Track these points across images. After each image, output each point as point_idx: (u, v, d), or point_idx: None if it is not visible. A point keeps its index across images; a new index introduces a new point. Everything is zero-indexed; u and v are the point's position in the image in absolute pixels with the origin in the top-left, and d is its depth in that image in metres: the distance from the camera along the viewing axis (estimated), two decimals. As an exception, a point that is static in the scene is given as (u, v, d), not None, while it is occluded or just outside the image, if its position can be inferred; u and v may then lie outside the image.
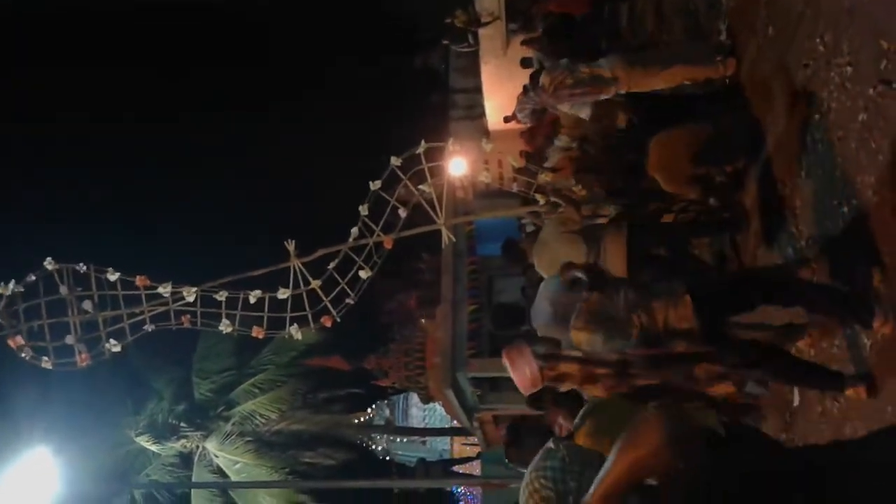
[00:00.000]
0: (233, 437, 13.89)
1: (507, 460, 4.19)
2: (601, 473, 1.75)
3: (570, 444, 1.95)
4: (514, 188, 5.42)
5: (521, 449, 4.34)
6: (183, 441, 13.87)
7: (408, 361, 11.92)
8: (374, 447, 30.93)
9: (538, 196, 5.16)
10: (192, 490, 13.74)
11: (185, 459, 14.12)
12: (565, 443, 1.93)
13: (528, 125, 7.36)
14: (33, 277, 3.96)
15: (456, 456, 24.15)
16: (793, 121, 4.57)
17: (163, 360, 14.33)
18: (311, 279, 4.12)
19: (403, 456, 29.93)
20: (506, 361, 3.43)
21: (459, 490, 29.92)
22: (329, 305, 4.13)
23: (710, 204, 5.16)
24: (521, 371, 3.35)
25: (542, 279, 4.49)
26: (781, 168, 4.75)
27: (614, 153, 5.81)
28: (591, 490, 1.73)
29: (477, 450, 19.55)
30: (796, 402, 4.47)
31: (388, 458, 29.90)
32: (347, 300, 4.19)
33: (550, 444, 1.94)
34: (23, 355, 3.89)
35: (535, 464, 1.95)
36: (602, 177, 5.58)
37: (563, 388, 3.48)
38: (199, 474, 13.79)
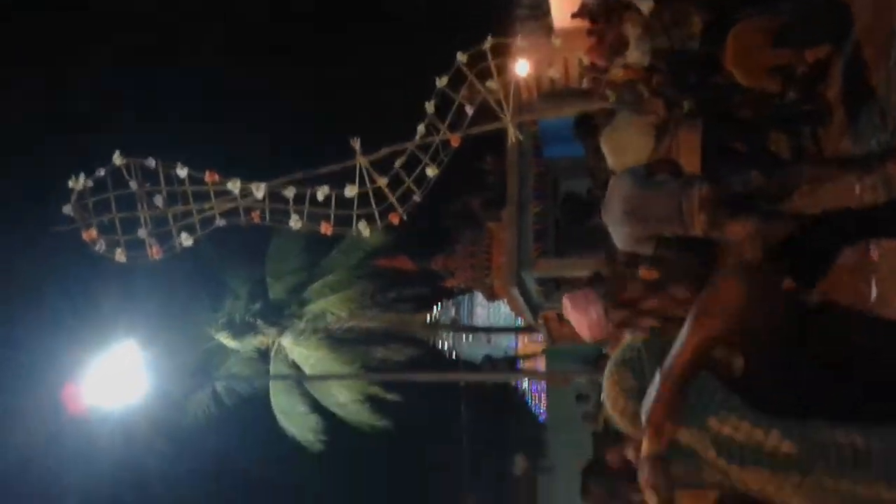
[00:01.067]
0: (306, 333, 14.49)
1: None
2: (676, 343, 1.72)
3: (648, 339, 1.93)
4: (584, 85, 5.25)
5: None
6: (260, 338, 14.52)
7: (474, 262, 12.01)
8: (440, 345, 31.79)
9: (609, 91, 5.00)
10: (271, 383, 14.47)
11: (263, 355, 14.81)
12: (644, 337, 1.91)
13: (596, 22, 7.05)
14: (102, 172, 4.05)
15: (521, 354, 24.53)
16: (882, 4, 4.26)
17: (238, 260, 14.86)
18: (377, 177, 4.12)
19: (469, 354, 30.63)
20: (567, 304, 3.25)
21: (525, 385, 30.68)
22: (395, 203, 4.14)
23: (791, 96, 4.90)
24: (586, 314, 3.14)
25: (608, 181, 4.39)
26: (870, 56, 4.47)
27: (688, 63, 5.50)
28: (668, 361, 1.71)
29: (542, 347, 19.83)
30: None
31: (454, 355, 30.70)
32: (414, 198, 4.19)
33: (629, 340, 1.94)
34: (96, 248, 4.01)
35: (615, 357, 1.95)
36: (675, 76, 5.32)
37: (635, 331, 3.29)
38: (276, 369, 14.49)
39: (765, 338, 1.74)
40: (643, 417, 1.75)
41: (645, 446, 1.79)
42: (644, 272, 2.49)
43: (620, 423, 1.90)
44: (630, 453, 3.23)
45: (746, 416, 1.70)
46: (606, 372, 1.94)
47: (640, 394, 1.83)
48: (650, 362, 1.82)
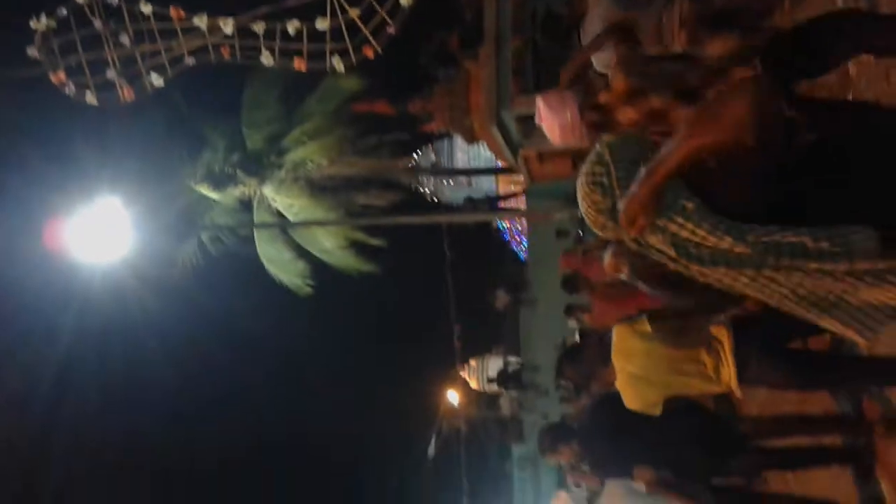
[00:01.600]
0: (287, 182, 14.45)
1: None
2: (664, 148, 1.77)
3: (619, 140, 1.94)
4: None
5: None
6: (241, 188, 14.49)
7: (452, 102, 11.82)
8: (422, 190, 32.03)
9: None
10: (255, 232, 14.61)
11: (245, 205, 14.86)
12: (609, 138, 1.93)
13: None
14: (65, 11, 3.88)
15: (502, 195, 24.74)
16: None
17: (212, 111, 14.59)
18: (349, 8, 3.97)
19: (451, 197, 30.94)
20: (541, 105, 3.04)
21: (506, 225, 31.29)
22: (369, 36, 4.01)
23: None
24: (559, 115, 2.91)
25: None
26: None
27: None
28: (652, 164, 1.77)
29: (522, 187, 20.01)
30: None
31: (436, 199, 31.02)
32: (388, 30, 4.06)
33: (597, 147, 1.96)
34: (66, 92, 3.91)
35: (586, 172, 1.98)
36: None
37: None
38: (259, 218, 14.58)
39: (752, 149, 1.78)
40: (620, 211, 1.82)
41: (617, 237, 1.91)
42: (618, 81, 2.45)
43: (600, 233, 2.00)
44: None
45: (704, 221, 1.79)
46: (579, 188, 1.99)
47: (613, 211, 1.90)
48: (621, 165, 1.86)
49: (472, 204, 16.04)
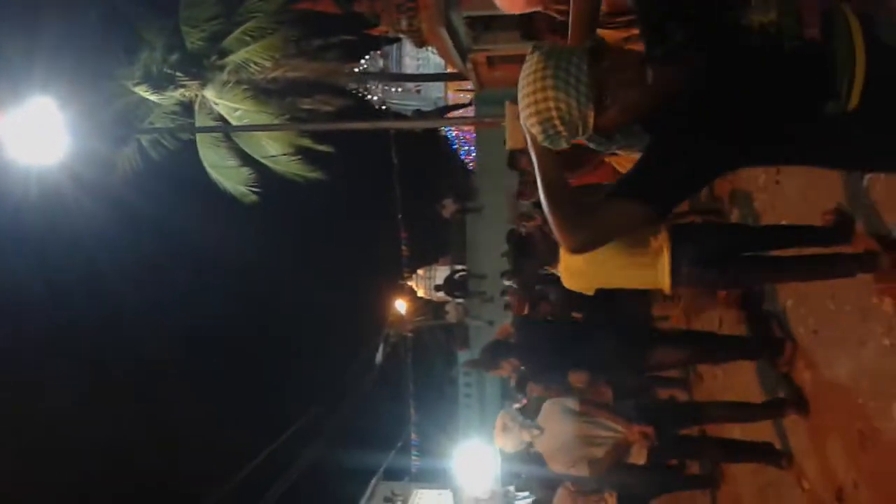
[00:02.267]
0: (230, 85, 13.99)
1: None
2: None
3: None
4: None
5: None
6: (181, 90, 13.99)
7: (400, 3, 11.56)
8: (370, 97, 31.47)
9: None
10: (197, 137, 14.21)
11: (187, 108, 14.38)
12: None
13: None
14: None
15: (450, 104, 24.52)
16: None
17: (149, 8, 13.92)
18: None
19: (399, 105, 30.53)
20: None
21: (454, 134, 31.13)
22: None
23: None
24: None
25: None
26: None
27: None
28: None
29: (470, 96, 19.86)
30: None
31: (384, 107, 30.56)
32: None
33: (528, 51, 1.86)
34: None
35: (521, 79, 1.81)
36: None
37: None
38: (201, 122, 14.17)
39: None
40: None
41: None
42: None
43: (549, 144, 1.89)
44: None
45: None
46: (540, 87, 1.84)
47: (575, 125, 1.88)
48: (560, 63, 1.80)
49: (420, 114, 15.86)
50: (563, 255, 4.21)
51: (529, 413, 5.39)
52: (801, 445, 4.59)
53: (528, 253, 4.91)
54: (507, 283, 13.45)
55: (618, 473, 5.09)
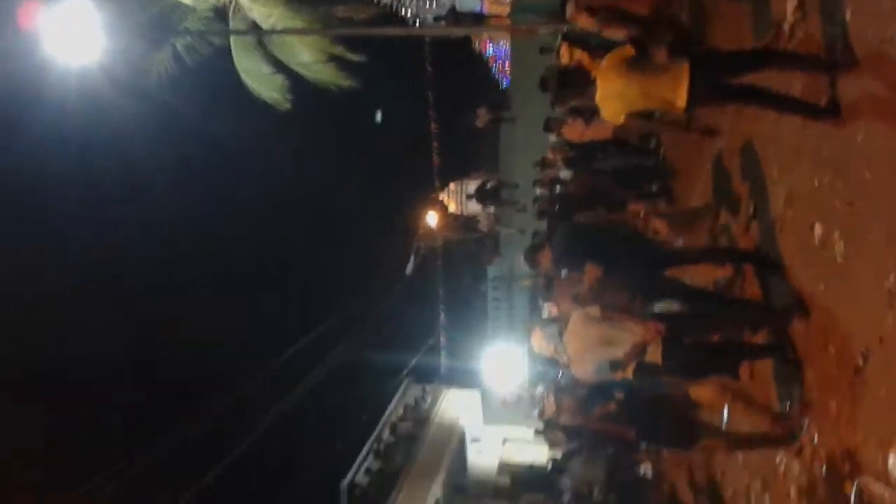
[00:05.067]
0: (263, -14, 13.91)
1: None
2: None
3: None
4: None
5: None
6: (215, -7, 13.95)
7: None
8: (403, 10, 30.91)
9: None
10: (232, 43, 14.23)
11: (221, 15, 14.36)
12: None
13: None
14: None
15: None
16: None
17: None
18: None
19: (433, 22, 29.90)
20: None
21: (489, 49, 30.59)
22: None
23: None
24: None
25: None
26: None
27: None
28: None
29: (507, 9, 19.42)
30: None
31: (417, 20, 30.03)
32: None
33: None
34: None
35: None
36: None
37: None
38: (235, 27, 14.16)
39: None
40: None
41: None
42: None
43: None
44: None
45: None
46: None
47: None
48: None
49: (455, 16, 15.56)
50: (601, 83, 4.92)
51: (559, 326, 6.08)
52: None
53: (569, 83, 6.02)
54: (538, 191, 13.54)
55: (638, 373, 5.47)
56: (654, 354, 5.27)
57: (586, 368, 5.65)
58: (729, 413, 6.12)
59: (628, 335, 5.29)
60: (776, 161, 5.58)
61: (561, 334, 5.99)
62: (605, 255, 5.64)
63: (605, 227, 7.25)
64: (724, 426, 6.14)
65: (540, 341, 6.72)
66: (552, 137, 10.93)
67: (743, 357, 5.76)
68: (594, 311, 5.53)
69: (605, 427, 6.72)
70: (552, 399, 8.14)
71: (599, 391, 6.61)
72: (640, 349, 5.28)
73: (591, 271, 5.55)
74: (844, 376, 4.40)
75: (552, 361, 7.21)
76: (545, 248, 6.43)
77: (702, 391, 6.10)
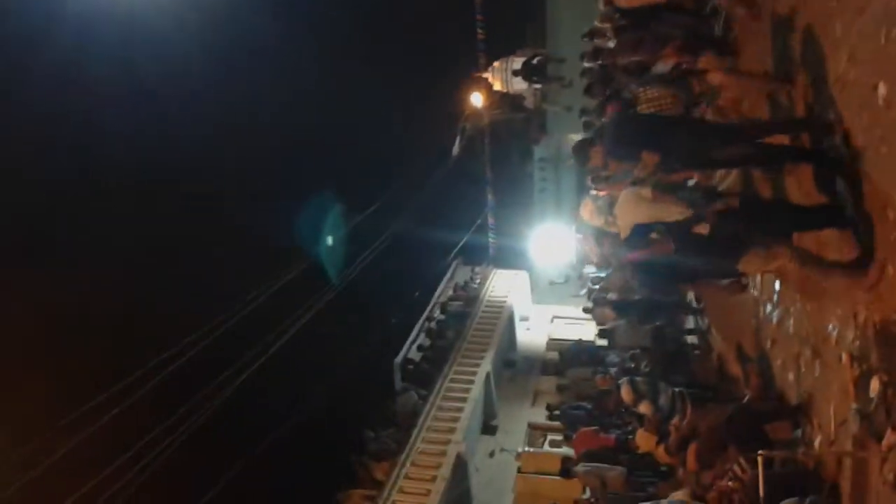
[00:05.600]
0: None
1: None
2: None
3: None
4: None
5: None
6: None
7: None
8: None
9: None
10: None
11: None
12: None
13: None
14: None
15: None
16: None
17: None
18: None
19: None
20: None
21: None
22: None
23: None
24: None
25: None
26: None
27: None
28: None
29: None
30: None
31: None
32: None
33: None
34: None
35: None
36: None
37: None
38: None
39: None
40: None
41: None
42: None
43: None
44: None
45: None
46: None
47: None
48: None
49: None
50: None
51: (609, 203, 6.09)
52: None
53: None
54: (587, 64, 13.09)
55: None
56: (703, 228, 5.38)
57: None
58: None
59: (678, 214, 5.45)
60: (839, 17, 5.25)
61: (611, 206, 6.01)
62: (660, 141, 5.54)
63: (657, 113, 6.93)
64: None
65: (591, 213, 6.79)
66: (601, 5, 10.45)
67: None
68: (646, 191, 5.68)
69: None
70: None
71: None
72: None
73: (648, 158, 5.52)
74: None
75: (602, 232, 7.30)
76: (595, 142, 6.30)
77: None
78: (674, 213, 5.47)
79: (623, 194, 5.92)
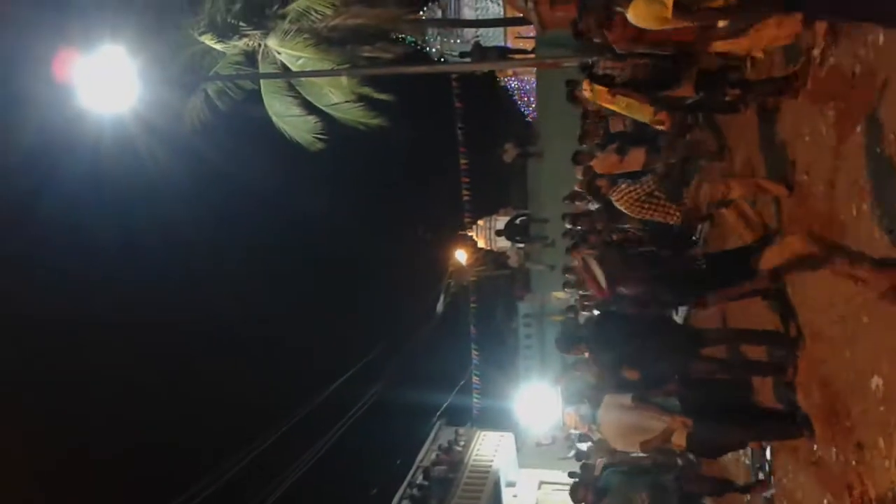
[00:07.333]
0: (291, 34, 14.12)
1: None
2: None
3: None
4: None
5: None
6: (245, 40, 14.21)
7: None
8: (429, 48, 31.34)
9: None
10: (262, 86, 14.44)
11: (250, 58, 14.60)
12: None
13: None
14: None
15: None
16: None
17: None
18: None
19: (458, 59, 30.25)
20: None
21: (514, 85, 30.80)
22: None
23: None
24: None
25: None
26: None
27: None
28: None
29: (532, 44, 19.54)
30: None
31: (442, 59, 30.41)
32: None
33: None
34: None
35: None
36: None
37: None
38: (265, 70, 14.38)
39: None
40: None
41: None
42: None
43: None
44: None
45: None
46: None
47: None
48: None
49: (480, 51, 15.65)
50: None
51: (592, 404, 6.57)
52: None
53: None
54: (568, 226, 13.39)
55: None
56: (679, 439, 5.94)
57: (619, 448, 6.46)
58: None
59: (658, 424, 5.91)
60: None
61: (594, 411, 6.43)
62: (639, 357, 5.88)
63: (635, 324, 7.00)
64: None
65: (574, 420, 7.14)
66: (578, 174, 10.82)
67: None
68: (626, 400, 6.06)
69: None
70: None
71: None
72: (668, 435, 5.96)
73: (631, 373, 5.88)
74: None
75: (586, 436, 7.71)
76: (580, 342, 6.59)
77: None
78: (656, 425, 5.90)
79: (605, 403, 6.29)
